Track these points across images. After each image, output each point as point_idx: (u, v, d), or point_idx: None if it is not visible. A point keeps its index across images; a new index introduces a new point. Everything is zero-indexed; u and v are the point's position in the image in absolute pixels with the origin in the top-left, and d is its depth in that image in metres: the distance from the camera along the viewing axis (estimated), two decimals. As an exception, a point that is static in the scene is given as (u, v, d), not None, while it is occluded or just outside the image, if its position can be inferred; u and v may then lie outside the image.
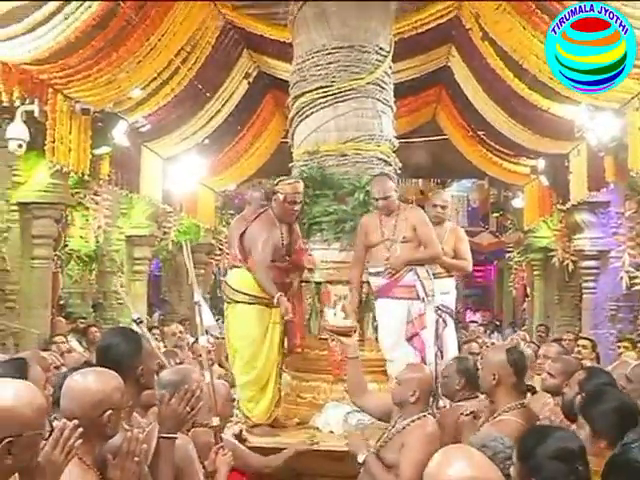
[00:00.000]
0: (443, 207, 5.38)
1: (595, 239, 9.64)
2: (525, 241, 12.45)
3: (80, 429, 2.00)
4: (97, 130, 7.30)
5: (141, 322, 3.95)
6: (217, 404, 3.43)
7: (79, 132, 7.04)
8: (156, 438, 2.58)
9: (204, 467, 3.09)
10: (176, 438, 2.60)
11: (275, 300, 4.49)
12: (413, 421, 3.28)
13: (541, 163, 9.28)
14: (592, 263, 9.79)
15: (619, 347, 6.75)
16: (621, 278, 8.30)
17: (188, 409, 2.61)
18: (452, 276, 5.45)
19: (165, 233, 10.85)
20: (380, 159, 5.59)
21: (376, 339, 4.90)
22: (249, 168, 11.60)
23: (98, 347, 2.88)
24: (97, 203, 8.80)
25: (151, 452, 2.55)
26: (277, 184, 4.83)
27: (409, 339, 4.62)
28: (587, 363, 6.21)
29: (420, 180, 15.59)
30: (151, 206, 10.05)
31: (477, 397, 3.80)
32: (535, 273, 12.44)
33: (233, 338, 4.79)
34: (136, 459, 2.26)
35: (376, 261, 4.76)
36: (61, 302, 9.34)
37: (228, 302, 4.82)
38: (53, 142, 6.64)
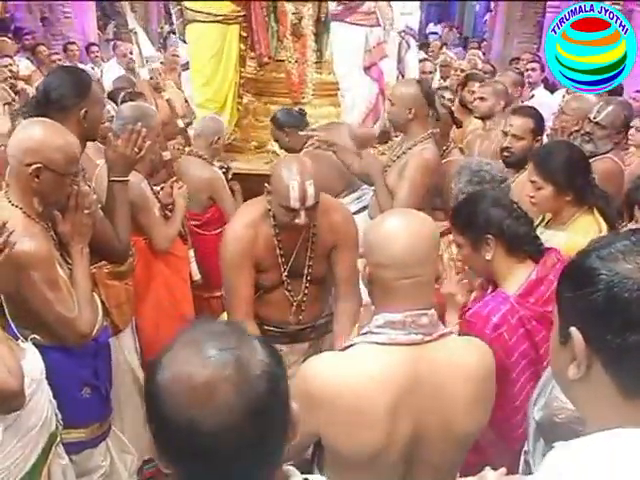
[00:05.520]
0: None
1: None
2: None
3: None
4: None
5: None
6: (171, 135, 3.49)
7: None
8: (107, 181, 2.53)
9: (159, 201, 3.13)
10: (127, 180, 2.55)
11: None
12: (415, 144, 3.20)
13: None
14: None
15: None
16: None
17: (136, 150, 2.51)
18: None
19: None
20: None
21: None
22: None
23: (42, 85, 2.60)
24: None
25: (104, 194, 2.54)
26: None
27: (367, 68, 4.55)
28: (538, 87, 6.41)
29: None
30: None
31: None
32: (502, -15, 11.96)
33: (192, 58, 4.73)
34: (86, 211, 2.24)
35: None
36: (7, 15, 8.86)
37: (186, 23, 4.69)
38: None
